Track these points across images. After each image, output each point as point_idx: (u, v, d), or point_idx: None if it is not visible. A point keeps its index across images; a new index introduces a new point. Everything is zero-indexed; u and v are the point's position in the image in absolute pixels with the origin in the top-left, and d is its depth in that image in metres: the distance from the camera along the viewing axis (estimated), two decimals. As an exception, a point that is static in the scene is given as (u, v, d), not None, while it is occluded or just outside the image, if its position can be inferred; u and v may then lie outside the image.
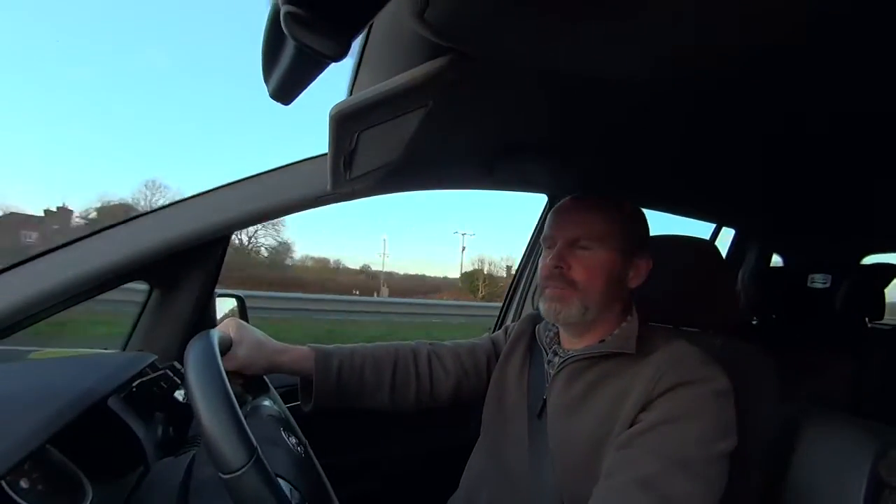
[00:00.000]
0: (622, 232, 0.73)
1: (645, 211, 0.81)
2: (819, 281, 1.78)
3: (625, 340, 0.72)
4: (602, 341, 0.73)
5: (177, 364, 0.75)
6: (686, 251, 0.86)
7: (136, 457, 0.61)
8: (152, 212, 0.81)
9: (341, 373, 0.79)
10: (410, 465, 1.18)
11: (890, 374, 1.46)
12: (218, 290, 0.96)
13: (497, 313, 1.53)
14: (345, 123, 0.47)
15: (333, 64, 0.30)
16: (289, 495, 0.47)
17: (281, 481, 0.46)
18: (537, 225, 1.37)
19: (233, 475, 0.41)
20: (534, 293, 1.40)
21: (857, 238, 1.83)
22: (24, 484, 0.47)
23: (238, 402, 0.46)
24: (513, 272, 1.52)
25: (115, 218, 0.85)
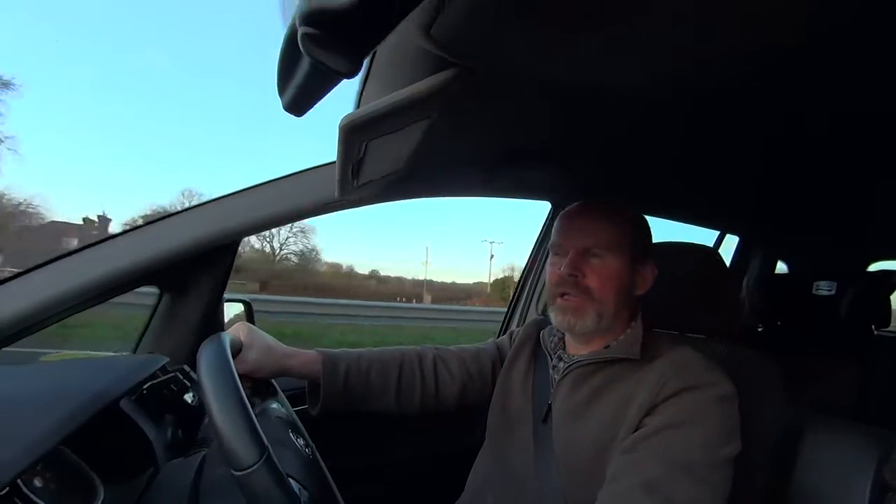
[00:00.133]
0: (631, 240, 0.74)
1: (649, 218, 0.82)
2: (824, 288, 1.77)
3: (629, 346, 0.72)
4: (607, 347, 0.74)
5: (187, 367, 0.76)
6: (689, 258, 0.87)
7: (146, 458, 0.63)
8: (163, 218, 0.83)
9: (348, 376, 0.80)
10: (416, 469, 1.18)
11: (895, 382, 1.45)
12: (226, 295, 0.97)
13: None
14: (353, 134, 0.49)
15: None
16: (298, 494, 0.48)
17: (290, 481, 0.47)
18: (541, 231, 1.38)
19: (245, 472, 0.42)
20: (538, 299, 1.41)
21: (862, 245, 1.83)
22: (38, 483, 0.49)
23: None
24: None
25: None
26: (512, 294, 1.50)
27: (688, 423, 0.61)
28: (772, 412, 0.75)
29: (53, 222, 17.38)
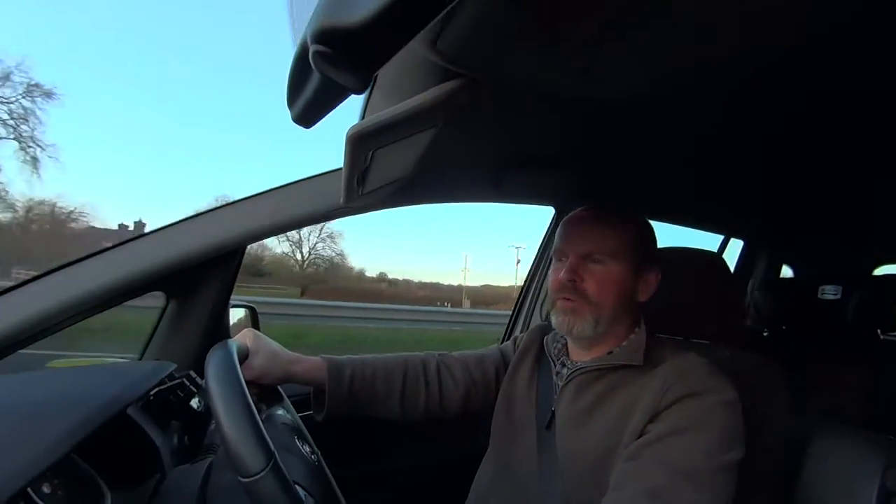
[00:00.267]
0: (633, 246, 0.74)
1: (653, 223, 0.82)
2: (830, 292, 1.76)
3: (633, 352, 0.72)
4: (610, 353, 0.74)
5: (193, 373, 0.77)
6: (693, 263, 0.87)
7: (153, 464, 0.63)
8: (170, 225, 0.84)
9: (353, 382, 0.81)
10: (420, 475, 1.18)
11: None
12: (232, 301, 0.98)
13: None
14: (360, 143, 0.50)
15: None
16: (304, 500, 0.48)
17: (296, 487, 0.47)
18: (545, 237, 1.38)
19: (251, 479, 0.42)
20: (541, 304, 1.41)
21: (868, 249, 1.82)
22: (46, 489, 0.49)
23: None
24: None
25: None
26: (516, 300, 1.50)
27: (690, 429, 0.61)
28: (776, 417, 0.74)
29: (92, 228, 17.88)
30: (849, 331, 1.64)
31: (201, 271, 0.87)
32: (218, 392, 0.47)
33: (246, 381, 0.52)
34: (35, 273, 0.76)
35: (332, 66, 0.25)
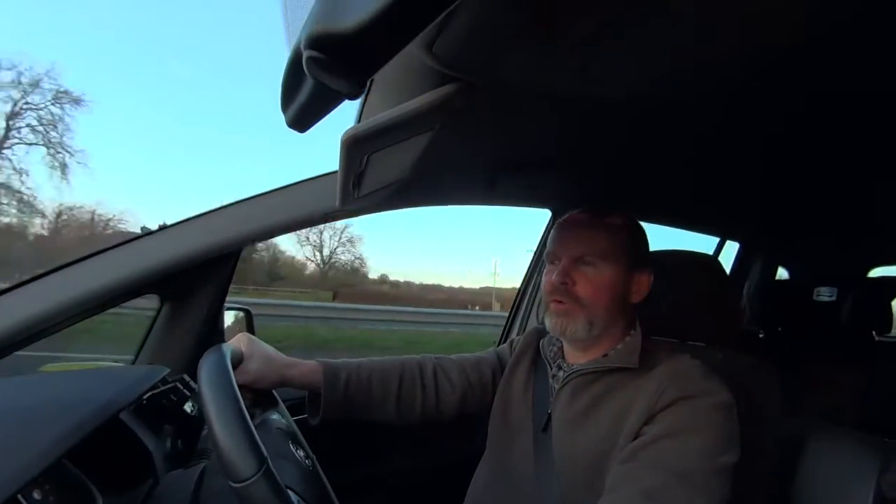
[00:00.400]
0: (625, 248, 0.74)
1: (650, 225, 0.82)
2: (825, 294, 1.76)
3: (628, 355, 0.72)
4: (605, 356, 0.74)
5: (186, 377, 0.76)
6: (689, 266, 0.87)
7: (145, 469, 0.62)
8: (164, 228, 0.83)
9: (349, 386, 0.80)
10: (416, 478, 1.18)
11: None
12: (227, 304, 0.97)
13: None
14: (355, 147, 0.49)
15: None
16: None
17: (290, 492, 0.47)
18: (542, 239, 1.38)
19: (243, 484, 0.42)
20: (538, 307, 1.41)
21: (863, 250, 1.83)
22: (36, 495, 0.48)
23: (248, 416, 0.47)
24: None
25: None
26: (512, 303, 1.50)
27: (685, 431, 0.61)
28: (771, 419, 0.75)
29: (118, 232, 18.08)
30: (844, 332, 1.65)
31: (196, 274, 0.87)
32: (210, 396, 0.47)
33: (240, 386, 0.51)
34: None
35: (325, 71, 0.24)
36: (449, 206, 1.06)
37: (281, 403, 0.79)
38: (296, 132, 0.36)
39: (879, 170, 0.90)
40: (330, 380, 0.79)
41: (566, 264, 0.74)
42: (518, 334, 1.13)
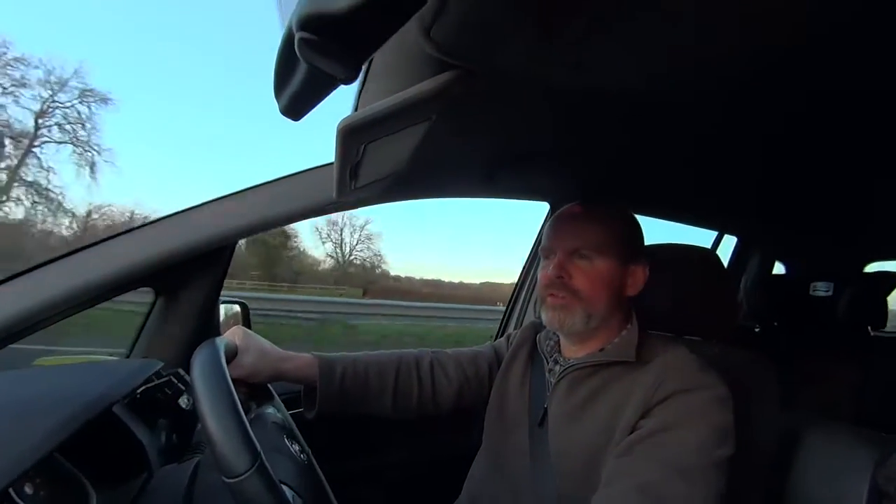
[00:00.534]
0: (620, 240, 0.74)
1: (647, 219, 0.81)
2: (821, 289, 1.77)
3: (625, 349, 0.72)
4: (602, 350, 0.74)
5: (181, 371, 0.75)
6: (686, 260, 0.87)
7: (139, 463, 0.62)
8: (159, 220, 0.82)
9: (344, 379, 0.80)
10: (413, 472, 1.18)
11: (894, 383, 1.46)
12: (222, 297, 0.96)
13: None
14: (351, 136, 0.48)
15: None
16: (292, 501, 0.47)
17: (284, 487, 0.46)
18: (540, 233, 1.37)
19: (236, 480, 0.41)
20: (535, 302, 1.41)
21: (859, 246, 1.83)
22: (28, 490, 0.48)
23: (242, 409, 0.47)
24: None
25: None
26: (509, 297, 1.50)
27: (682, 425, 0.61)
28: (767, 413, 0.75)
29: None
30: (840, 327, 1.66)
31: (191, 267, 0.86)
32: (203, 390, 0.46)
33: (235, 380, 0.51)
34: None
35: (318, 54, 0.23)
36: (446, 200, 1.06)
37: (276, 398, 0.79)
38: (291, 120, 0.35)
39: (877, 167, 0.90)
40: (326, 373, 0.79)
41: (561, 258, 0.73)
42: (515, 329, 1.13)
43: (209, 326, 0.92)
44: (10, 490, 0.45)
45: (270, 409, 0.72)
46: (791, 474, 0.74)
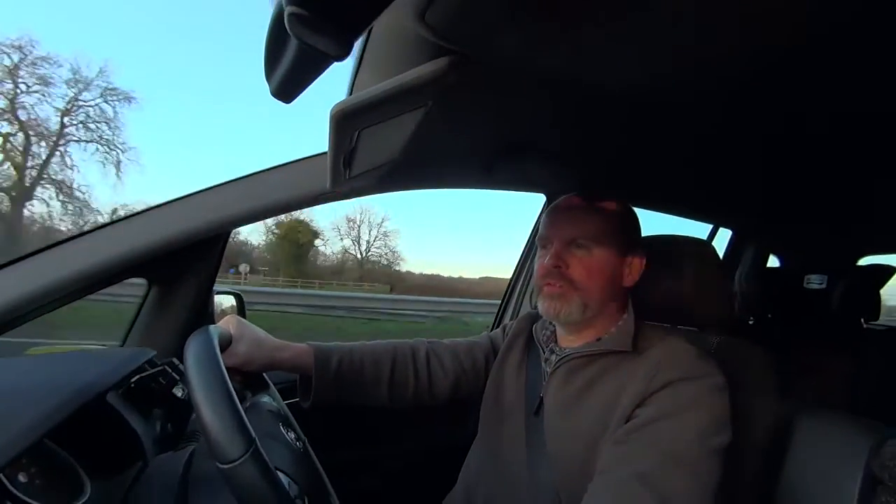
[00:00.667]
0: (617, 231, 0.74)
1: (643, 211, 0.81)
2: (815, 282, 1.78)
3: (621, 338, 0.72)
4: (599, 339, 0.74)
5: (175, 360, 0.75)
6: (683, 250, 0.87)
7: (134, 452, 0.62)
8: (152, 208, 0.81)
9: (340, 369, 0.80)
10: (409, 461, 1.18)
11: (886, 374, 1.47)
12: (216, 288, 0.96)
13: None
14: (345, 122, 0.48)
15: (335, 63, 0.31)
16: (287, 488, 0.47)
17: (279, 474, 0.46)
18: (535, 224, 1.37)
19: (230, 465, 0.41)
20: (531, 293, 1.41)
21: (853, 239, 1.84)
22: (22, 478, 0.48)
23: (237, 398, 0.46)
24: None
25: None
26: (505, 289, 1.50)
27: (679, 413, 0.61)
28: (763, 403, 0.75)
29: None
30: (833, 320, 1.67)
31: (184, 256, 0.85)
32: (197, 376, 0.46)
33: (229, 368, 0.50)
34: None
35: (309, 30, 0.23)
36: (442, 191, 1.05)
37: (272, 386, 0.79)
38: (282, 103, 0.35)
39: (870, 163, 0.91)
40: (321, 363, 0.78)
41: (558, 247, 0.73)
42: (511, 320, 1.13)
43: (203, 317, 0.91)
44: (4, 478, 0.45)
45: (266, 398, 0.72)
46: (786, 461, 0.75)
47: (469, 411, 0.94)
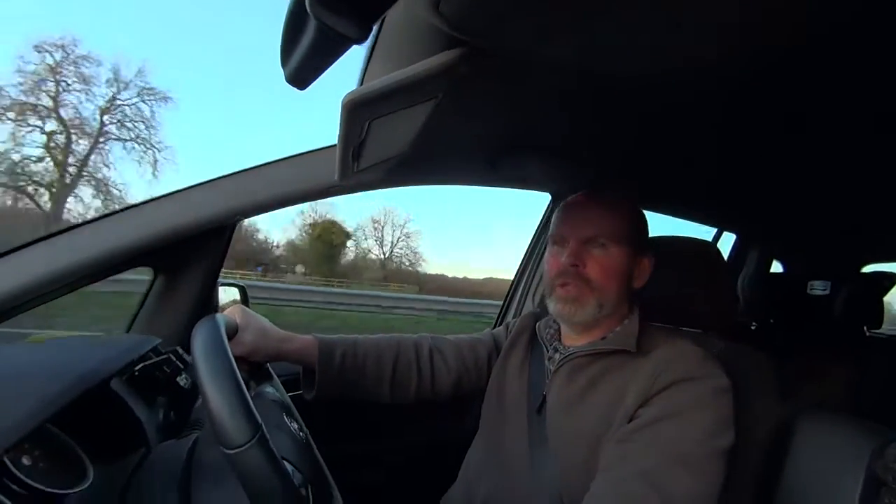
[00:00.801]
0: (632, 230, 0.74)
1: (647, 213, 0.81)
2: (818, 288, 1.78)
3: (625, 338, 0.72)
4: (603, 338, 0.74)
5: (180, 349, 0.75)
6: (687, 252, 0.87)
7: (137, 439, 0.62)
8: (158, 198, 0.81)
9: (344, 363, 0.80)
10: (410, 456, 1.18)
11: (890, 382, 1.47)
12: (221, 279, 0.96)
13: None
14: (356, 111, 0.48)
15: (344, 56, 0.31)
16: (291, 475, 0.47)
17: (284, 462, 0.46)
18: (540, 223, 1.37)
19: (237, 451, 0.41)
20: (534, 292, 1.41)
21: (857, 246, 1.84)
22: (26, 461, 0.48)
23: None
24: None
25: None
26: (509, 287, 1.50)
27: (682, 414, 0.61)
28: (766, 406, 0.75)
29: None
30: (835, 326, 1.67)
31: (190, 246, 0.85)
32: (204, 362, 0.46)
33: (235, 357, 0.50)
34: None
35: (330, 11, 0.23)
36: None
37: (276, 377, 0.79)
38: (296, 89, 0.35)
39: (876, 167, 0.90)
40: (325, 356, 0.79)
41: (575, 246, 0.72)
42: (514, 318, 1.13)
43: (208, 306, 0.91)
44: (7, 461, 0.45)
45: (269, 388, 0.72)
46: (788, 463, 0.75)
47: (471, 408, 0.94)
